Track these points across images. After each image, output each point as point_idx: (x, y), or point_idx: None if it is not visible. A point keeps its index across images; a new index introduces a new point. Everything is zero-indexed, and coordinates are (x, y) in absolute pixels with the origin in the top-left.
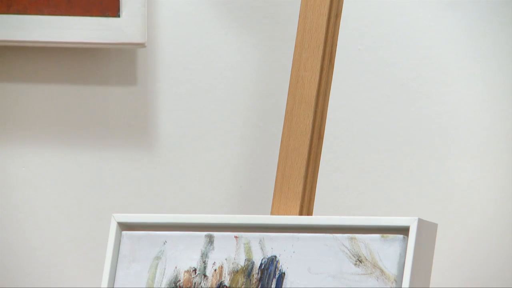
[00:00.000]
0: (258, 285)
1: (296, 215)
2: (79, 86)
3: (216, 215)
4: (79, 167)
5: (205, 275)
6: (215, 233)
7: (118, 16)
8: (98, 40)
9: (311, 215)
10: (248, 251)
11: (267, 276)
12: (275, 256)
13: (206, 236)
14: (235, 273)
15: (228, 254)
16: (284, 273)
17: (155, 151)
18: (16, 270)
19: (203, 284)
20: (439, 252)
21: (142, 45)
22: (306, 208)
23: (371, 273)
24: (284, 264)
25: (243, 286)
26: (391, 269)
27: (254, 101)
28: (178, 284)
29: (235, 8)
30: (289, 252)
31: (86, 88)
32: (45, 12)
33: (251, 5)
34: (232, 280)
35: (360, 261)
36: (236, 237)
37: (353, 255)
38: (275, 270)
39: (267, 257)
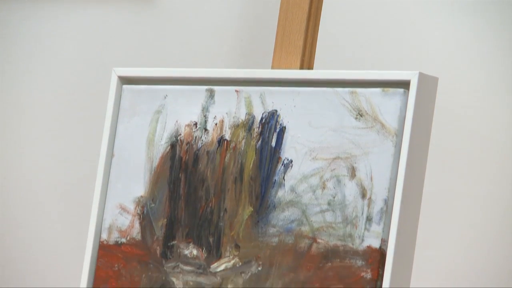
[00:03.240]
0: (259, 139)
1: (297, 69)
2: None
3: (217, 69)
4: (79, 22)
5: (206, 129)
6: (216, 87)
7: None
8: None
9: (312, 69)
10: (249, 105)
11: (267, 130)
12: (276, 110)
13: (207, 90)
14: (235, 127)
15: (229, 108)
16: (284, 127)
17: (156, 3)
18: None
19: (203, 138)
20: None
21: None
22: (307, 62)
23: (371, 127)
24: (284, 118)
25: (243, 140)
26: (392, 122)
27: None
28: (179, 138)
29: None
30: (289, 106)
31: None
32: None
33: None
34: (232, 134)
35: (361, 115)
36: (237, 91)
37: (353, 109)
38: (275, 124)
39: (268, 111)
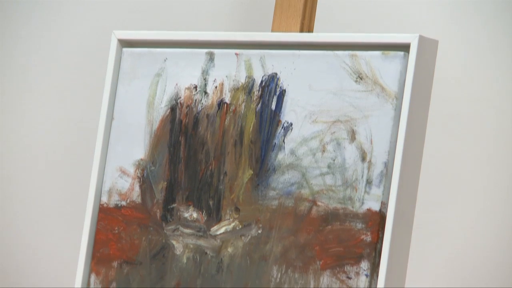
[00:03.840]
0: (259, 102)
1: (297, 32)
2: None
3: (217, 32)
4: None
5: (205, 92)
6: (215, 50)
7: None
8: None
9: (312, 32)
10: (249, 68)
11: (267, 93)
12: (276, 73)
13: (206, 53)
14: (235, 90)
15: (228, 71)
16: (284, 90)
17: None
18: None
19: (203, 101)
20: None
21: None
22: (307, 25)
23: (371, 90)
24: (284, 81)
25: (243, 103)
26: (392, 86)
27: None
28: (178, 101)
29: None
30: (289, 69)
31: None
32: None
33: None
34: (232, 97)
35: (361, 78)
36: (236, 54)
37: (353, 72)
38: (275, 87)
39: (268, 74)
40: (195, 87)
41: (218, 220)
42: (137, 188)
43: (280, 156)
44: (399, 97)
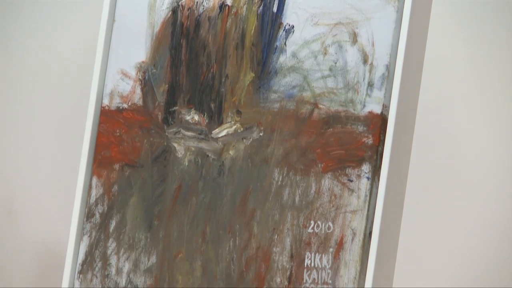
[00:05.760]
0: (260, 5)
1: None
2: None
3: None
4: None
5: None
6: None
7: None
8: None
9: None
10: None
11: None
12: None
13: None
14: None
15: None
16: None
17: None
18: None
19: (205, 3)
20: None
21: None
22: None
23: None
24: None
25: (245, 6)
26: None
27: None
28: (180, 3)
29: None
30: None
31: None
32: None
33: None
34: (234, 0)
35: None
36: None
37: None
38: None
39: None
40: None
41: (220, 123)
42: (138, 91)
43: (282, 58)
44: None
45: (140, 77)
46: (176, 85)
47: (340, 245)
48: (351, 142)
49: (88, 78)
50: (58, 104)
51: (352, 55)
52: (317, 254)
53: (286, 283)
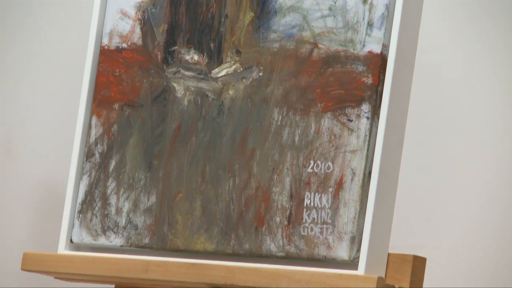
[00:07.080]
0: None
1: None
2: None
3: None
4: None
5: None
6: None
7: None
8: None
9: None
10: None
11: None
12: None
13: None
14: None
15: None
16: None
17: None
18: None
19: None
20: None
21: None
22: None
23: None
24: None
25: None
26: None
27: None
28: None
29: None
30: None
31: None
32: None
33: None
34: None
35: None
36: None
37: None
38: None
39: None
40: None
41: (219, 62)
42: (138, 31)
43: None
44: None
45: (139, 17)
46: (176, 25)
47: (339, 184)
48: (350, 82)
49: (87, 17)
50: (58, 42)
51: None
52: (316, 194)
53: (285, 222)
